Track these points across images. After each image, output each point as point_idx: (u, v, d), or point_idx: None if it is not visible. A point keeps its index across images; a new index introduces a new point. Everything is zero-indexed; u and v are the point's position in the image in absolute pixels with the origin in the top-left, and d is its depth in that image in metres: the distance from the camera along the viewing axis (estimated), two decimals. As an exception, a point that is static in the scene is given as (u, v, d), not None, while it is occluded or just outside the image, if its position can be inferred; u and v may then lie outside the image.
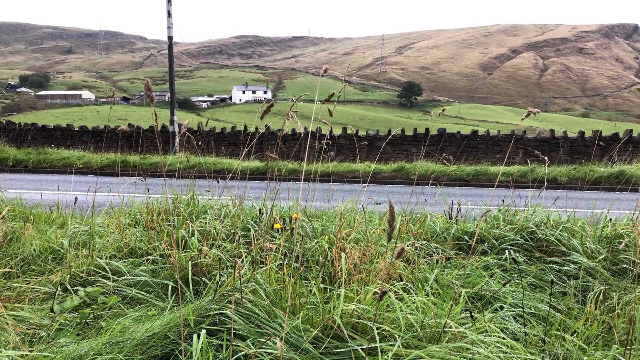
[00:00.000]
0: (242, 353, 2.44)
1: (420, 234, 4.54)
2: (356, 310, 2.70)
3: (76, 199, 5.11)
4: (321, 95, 3.51)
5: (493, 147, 18.86)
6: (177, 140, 18.97)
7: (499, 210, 5.14)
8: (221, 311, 2.75)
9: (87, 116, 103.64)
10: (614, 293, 3.50)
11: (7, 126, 20.96)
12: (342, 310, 2.67)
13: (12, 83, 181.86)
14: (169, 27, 19.26)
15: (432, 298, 3.03)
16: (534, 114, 2.29)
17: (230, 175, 4.74)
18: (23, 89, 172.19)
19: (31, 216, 5.32)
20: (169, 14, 19.20)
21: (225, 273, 3.36)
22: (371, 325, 2.54)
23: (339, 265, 3.43)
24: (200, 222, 4.48)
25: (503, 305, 3.24)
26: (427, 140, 18.62)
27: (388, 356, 2.37)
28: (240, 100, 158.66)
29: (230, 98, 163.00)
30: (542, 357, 2.73)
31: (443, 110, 4.25)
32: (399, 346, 2.41)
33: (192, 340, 2.52)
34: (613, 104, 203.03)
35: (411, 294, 3.08)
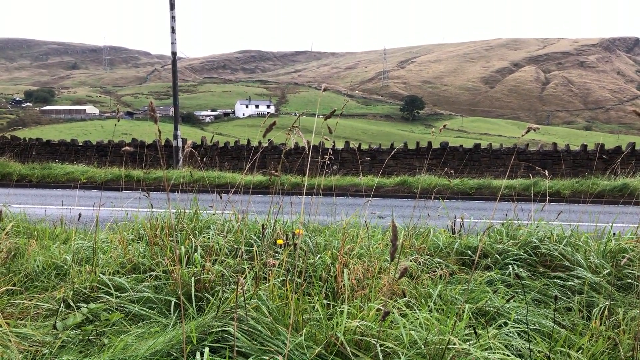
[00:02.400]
0: (245, 370, 2.43)
1: (423, 249, 4.54)
2: (359, 327, 2.69)
3: (80, 214, 5.13)
4: (324, 110, 3.54)
5: (496, 161, 18.87)
6: (181, 154, 19.06)
7: (502, 225, 5.13)
8: (224, 328, 2.75)
9: (91, 131, 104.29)
10: (619, 308, 3.47)
11: (12, 141, 21.10)
12: (345, 327, 2.67)
13: (17, 98, 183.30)
14: (173, 43, 19.46)
15: (435, 314, 3.02)
16: (534, 130, 2.30)
17: (233, 189, 4.76)
18: (28, 104, 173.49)
19: (35, 232, 5.33)
20: (173, 30, 19.41)
21: (228, 289, 3.36)
22: (375, 342, 2.53)
23: (341, 281, 3.42)
24: (203, 237, 4.48)
25: (507, 321, 3.22)
26: (430, 154, 18.65)
27: (391, 373, 2.36)
28: (243, 114, 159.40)
29: (234, 112, 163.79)
30: (547, 374, 2.71)
31: (444, 126, 4.27)
32: (402, 363, 2.39)
33: (194, 358, 2.51)
34: (615, 117, 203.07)
35: (414, 310, 3.07)
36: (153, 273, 3.72)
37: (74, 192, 13.16)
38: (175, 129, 19.47)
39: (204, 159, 18.47)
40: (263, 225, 4.17)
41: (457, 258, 4.55)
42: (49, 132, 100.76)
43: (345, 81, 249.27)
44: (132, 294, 3.43)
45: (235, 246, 4.21)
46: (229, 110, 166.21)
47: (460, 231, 5.17)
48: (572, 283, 3.95)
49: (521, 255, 4.40)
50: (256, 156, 4.80)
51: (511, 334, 3.07)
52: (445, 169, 14.80)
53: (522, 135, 2.68)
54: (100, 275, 3.64)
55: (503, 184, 13.95)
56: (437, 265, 4.26)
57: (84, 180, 15.27)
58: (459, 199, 13.98)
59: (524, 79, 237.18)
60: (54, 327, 3.03)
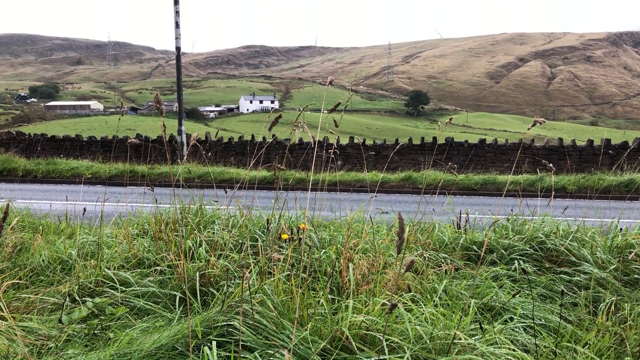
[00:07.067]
0: (250, 365, 2.42)
1: (428, 244, 4.52)
2: (364, 322, 2.68)
3: (85, 209, 5.14)
4: (328, 105, 3.53)
5: (501, 156, 18.79)
6: (185, 150, 19.07)
7: (508, 220, 5.10)
8: (229, 322, 2.75)
9: (95, 126, 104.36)
10: (626, 304, 3.46)
11: (17, 137, 21.18)
12: (350, 322, 2.66)
13: (22, 94, 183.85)
14: (177, 38, 19.43)
15: (441, 309, 3.01)
16: (540, 123, 2.28)
17: (238, 185, 4.75)
18: (33, 99, 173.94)
19: (40, 226, 5.35)
20: (177, 25, 19.38)
21: (233, 284, 3.36)
22: (380, 337, 2.52)
23: (346, 276, 3.41)
24: (208, 232, 4.48)
25: (513, 316, 3.21)
26: (435, 149, 18.58)
27: (397, 368, 2.35)
28: (247, 110, 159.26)
29: (238, 108, 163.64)
30: (553, 369, 2.69)
31: (450, 119, 4.25)
32: (408, 358, 2.38)
33: (199, 352, 2.51)
34: (622, 112, 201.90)
35: (420, 305, 3.06)
36: (158, 268, 3.73)
37: (79, 188, 13.19)
38: (180, 124, 19.47)
39: (209, 155, 18.47)
40: (268, 220, 4.17)
41: (463, 253, 4.53)
42: (54, 127, 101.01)
43: (349, 76, 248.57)
44: (137, 288, 3.44)
45: (240, 241, 4.21)
46: (233, 106, 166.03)
47: (465, 226, 5.15)
48: (578, 278, 3.93)
49: (527, 250, 4.38)
50: (260, 151, 4.79)
51: (517, 329, 3.06)
52: (450, 163, 14.76)
53: (528, 129, 2.66)
54: (105, 269, 3.65)
55: (508, 180, 13.89)
56: (443, 260, 4.25)
57: (89, 176, 15.31)
58: (464, 195, 13.94)
59: (530, 74, 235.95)
60: (60, 321, 3.04)
